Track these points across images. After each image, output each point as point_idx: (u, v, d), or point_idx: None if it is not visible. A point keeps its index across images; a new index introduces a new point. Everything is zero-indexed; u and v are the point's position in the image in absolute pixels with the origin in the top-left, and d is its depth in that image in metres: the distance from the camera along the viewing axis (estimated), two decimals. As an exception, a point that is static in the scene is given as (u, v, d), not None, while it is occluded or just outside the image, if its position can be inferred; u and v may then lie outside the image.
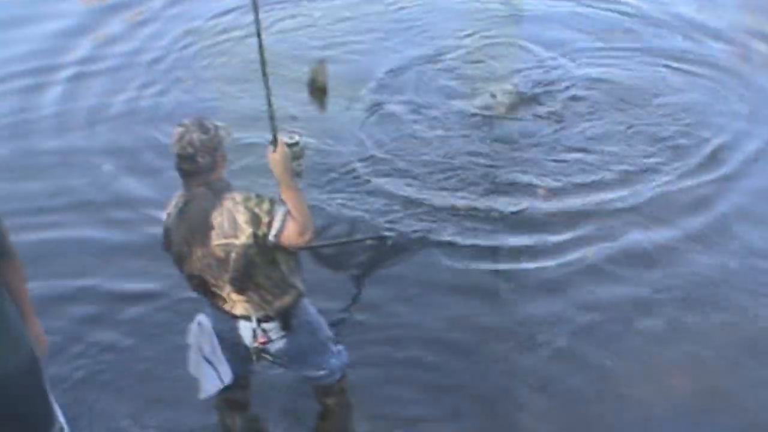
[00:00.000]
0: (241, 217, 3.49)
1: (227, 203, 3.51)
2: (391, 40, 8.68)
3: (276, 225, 3.50)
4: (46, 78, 8.41)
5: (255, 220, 3.49)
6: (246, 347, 3.85)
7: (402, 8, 9.37)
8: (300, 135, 3.80)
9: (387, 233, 6.00)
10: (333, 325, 4.44)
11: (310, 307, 3.93)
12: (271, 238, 3.50)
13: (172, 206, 3.66)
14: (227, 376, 3.84)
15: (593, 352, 5.07)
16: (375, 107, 7.64)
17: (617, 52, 8.40)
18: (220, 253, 3.53)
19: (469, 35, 8.66)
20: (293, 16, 9.28)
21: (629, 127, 7.25)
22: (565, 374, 4.96)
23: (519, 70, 8.02)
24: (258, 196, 3.56)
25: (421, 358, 5.02)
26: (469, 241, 5.96)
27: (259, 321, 3.72)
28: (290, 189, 3.53)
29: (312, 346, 3.97)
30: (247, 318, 3.74)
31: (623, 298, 5.51)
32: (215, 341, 3.79)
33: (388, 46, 8.59)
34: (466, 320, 5.32)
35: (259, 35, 3.40)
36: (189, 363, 3.89)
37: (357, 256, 5.86)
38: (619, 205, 6.32)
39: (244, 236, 3.49)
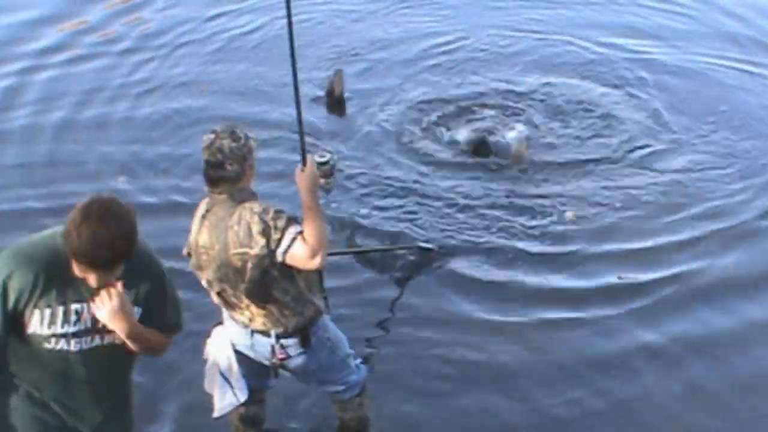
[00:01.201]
0: (255, 228, 3.45)
1: (245, 212, 3.48)
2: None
3: (284, 243, 3.46)
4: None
5: (267, 232, 3.45)
6: (263, 363, 3.83)
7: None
8: (332, 153, 3.77)
9: (427, 244, 5.96)
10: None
11: (330, 324, 3.90)
12: (278, 255, 3.47)
13: (197, 214, 3.66)
14: (243, 394, 3.80)
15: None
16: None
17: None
18: (237, 263, 3.50)
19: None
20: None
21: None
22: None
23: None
24: (278, 210, 3.51)
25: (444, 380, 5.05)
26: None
27: (278, 337, 3.70)
28: (311, 210, 3.49)
29: (331, 363, 3.93)
30: (266, 333, 3.71)
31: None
32: (232, 356, 3.76)
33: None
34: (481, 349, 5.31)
35: (293, 55, 3.50)
36: (204, 379, 3.87)
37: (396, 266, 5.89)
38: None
39: (258, 247, 3.46)
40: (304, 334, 3.72)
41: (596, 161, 7.01)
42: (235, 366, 3.75)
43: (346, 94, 7.76)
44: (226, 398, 3.79)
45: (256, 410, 4.13)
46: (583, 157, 7.05)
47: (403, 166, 6.98)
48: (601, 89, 8.01)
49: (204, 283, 3.69)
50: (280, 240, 3.43)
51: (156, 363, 4.21)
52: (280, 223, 3.45)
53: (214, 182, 3.55)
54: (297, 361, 3.79)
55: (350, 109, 7.73)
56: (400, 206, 6.50)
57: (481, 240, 6.17)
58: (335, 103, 7.72)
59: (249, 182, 3.61)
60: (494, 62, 8.45)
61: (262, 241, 3.44)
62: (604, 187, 6.71)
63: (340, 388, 4.05)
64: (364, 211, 6.42)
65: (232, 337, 3.78)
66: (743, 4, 9.56)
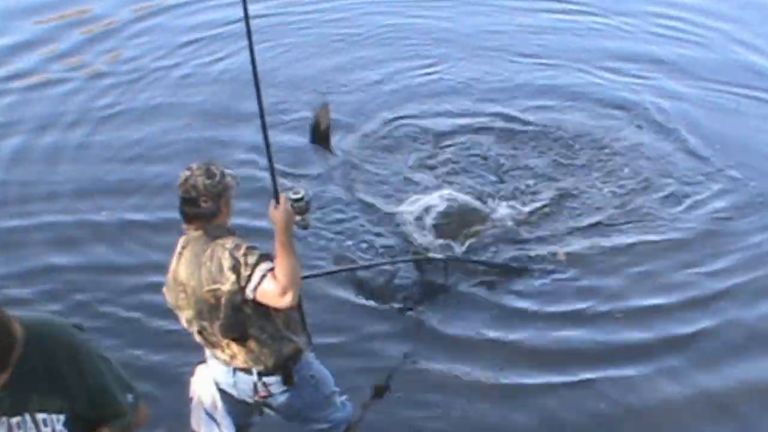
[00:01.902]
0: (226, 263, 3.45)
1: (218, 249, 3.49)
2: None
3: (254, 280, 3.44)
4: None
5: (237, 269, 3.45)
6: (246, 401, 3.80)
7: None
8: (305, 189, 3.74)
9: (435, 255, 5.85)
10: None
11: (314, 361, 3.89)
12: (248, 292, 3.46)
13: (175, 250, 3.67)
14: (230, 430, 3.76)
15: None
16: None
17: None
18: (211, 299, 3.51)
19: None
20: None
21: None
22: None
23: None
24: (250, 247, 3.50)
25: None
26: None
27: (259, 374, 3.68)
28: (284, 247, 3.46)
29: (315, 401, 3.89)
30: (248, 371, 3.69)
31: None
32: (216, 394, 3.75)
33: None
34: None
35: (257, 85, 3.53)
36: (191, 417, 3.85)
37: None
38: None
39: (229, 283, 3.46)
40: (287, 372, 3.70)
41: (609, 208, 6.59)
42: (220, 404, 3.74)
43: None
44: None
45: None
46: (595, 205, 6.65)
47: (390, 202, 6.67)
48: (615, 122, 7.67)
49: (184, 322, 3.69)
50: (250, 276, 3.43)
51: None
52: (251, 259, 3.44)
53: (189, 219, 3.57)
54: (280, 399, 3.77)
55: (336, 143, 7.43)
56: (388, 247, 6.19)
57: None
58: (321, 137, 7.39)
59: (225, 219, 3.61)
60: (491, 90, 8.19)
61: (232, 278, 3.44)
62: (619, 236, 6.29)
63: (325, 426, 4.00)
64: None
65: (215, 375, 3.78)
66: (759, 34, 9.23)
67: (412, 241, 6.15)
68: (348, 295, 5.69)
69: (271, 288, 3.41)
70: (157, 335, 5.25)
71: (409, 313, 5.61)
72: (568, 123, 7.62)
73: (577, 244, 6.16)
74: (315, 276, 5.37)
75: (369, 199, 6.69)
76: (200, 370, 3.84)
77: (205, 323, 3.58)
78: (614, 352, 5.28)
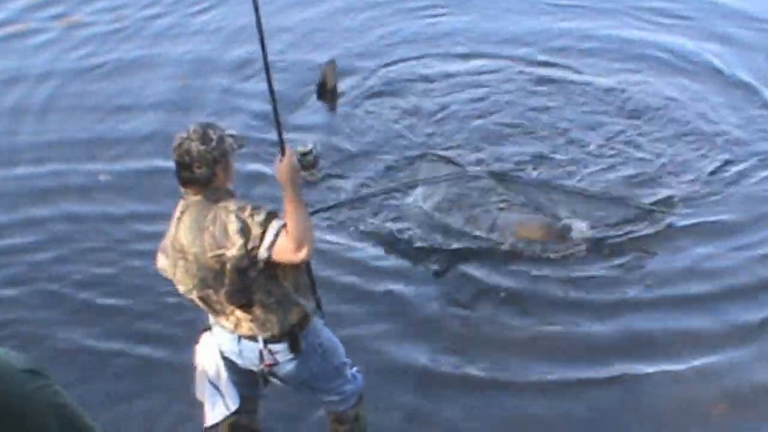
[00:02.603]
0: (232, 227, 3.38)
1: (221, 212, 3.42)
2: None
3: (268, 239, 3.36)
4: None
5: (245, 231, 3.37)
6: (252, 370, 3.75)
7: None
8: (313, 143, 3.67)
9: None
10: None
11: (323, 329, 3.79)
12: (262, 251, 3.37)
13: (173, 215, 3.57)
14: (234, 403, 3.72)
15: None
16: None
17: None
18: (215, 265, 3.44)
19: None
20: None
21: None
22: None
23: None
24: (255, 206, 3.44)
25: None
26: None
27: (265, 342, 3.60)
28: (292, 201, 3.40)
29: (324, 371, 3.80)
30: (254, 338, 3.61)
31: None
32: (221, 363, 3.71)
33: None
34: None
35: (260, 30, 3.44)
36: (195, 386, 3.81)
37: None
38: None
39: (235, 248, 3.38)
40: (293, 338, 3.62)
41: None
42: (224, 373, 3.71)
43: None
44: (217, 407, 3.73)
45: (248, 420, 3.96)
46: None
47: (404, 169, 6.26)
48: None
49: (182, 290, 3.60)
50: (262, 236, 3.36)
51: (143, 371, 4.51)
52: (259, 218, 3.38)
53: (185, 183, 3.49)
54: (287, 368, 3.68)
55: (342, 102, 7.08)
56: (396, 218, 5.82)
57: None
58: (327, 95, 7.11)
59: (225, 183, 3.52)
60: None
61: (239, 241, 3.37)
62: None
63: (335, 398, 3.92)
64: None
65: (220, 344, 3.72)
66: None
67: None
68: (366, 278, 5.33)
69: (286, 244, 3.34)
70: (149, 289, 5.14)
71: (433, 304, 5.22)
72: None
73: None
74: (324, 210, 5.20)
75: (378, 158, 6.33)
76: (204, 338, 3.77)
77: (209, 291, 3.51)
78: (677, 341, 4.89)
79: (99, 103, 7.11)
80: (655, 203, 5.76)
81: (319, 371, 3.76)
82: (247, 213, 3.38)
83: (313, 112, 6.92)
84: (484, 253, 5.46)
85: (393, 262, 5.45)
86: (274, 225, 3.36)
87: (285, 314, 3.56)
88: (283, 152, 3.47)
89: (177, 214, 3.54)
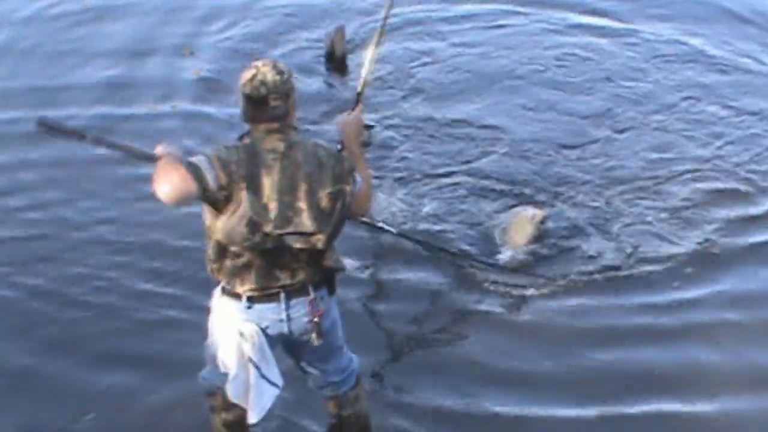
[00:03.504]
0: (347, 164, 3.38)
1: (320, 150, 3.33)
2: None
3: (358, 182, 3.40)
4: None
5: (352, 170, 3.39)
6: (288, 339, 3.52)
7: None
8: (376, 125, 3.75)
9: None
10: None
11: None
12: (352, 186, 3.37)
13: (242, 157, 3.21)
14: (279, 378, 3.49)
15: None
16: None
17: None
18: (328, 202, 3.31)
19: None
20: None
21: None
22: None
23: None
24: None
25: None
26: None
27: (314, 287, 3.46)
28: (359, 157, 3.50)
29: (334, 340, 3.66)
30: (304, 290, 3.43)
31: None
32: (264, 341, 3.43)
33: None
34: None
35: None
36: (230, 390, 3.49)
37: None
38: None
39: (350, 184, 3.37)
40: (331, 281, 3.53)
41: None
42: (268, 350, 3.44)
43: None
44: (266, 393, 3.48)
45: (240, 413, 3.72)
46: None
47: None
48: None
49: (257, 237, 3.24)
50: (354, 180, 3.38)
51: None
52: (349, 163, 3.42)
53: (260, 120, 3.26)
54: (326, 320, 3.53)
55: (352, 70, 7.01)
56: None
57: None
58: (336, 64, 7.08)
59: (294, 121, 3.37)
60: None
61: (350, 179, 3.37)
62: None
63: (336, 378, 3.78)
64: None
65: (259, 321, 3.44)
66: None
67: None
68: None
69: (366, 193, 3.47)
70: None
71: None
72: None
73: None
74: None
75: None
76: (238, 327, 3.43)
77: (304, 233, 3.29)
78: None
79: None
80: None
81: (332, 340, 3.64)
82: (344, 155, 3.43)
83: (321, 80, 6.90)
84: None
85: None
86: (357, 173, 3.42)
87: (337, 256, 3.51)
88: (356, 105, 3.58)
89: (247, 156, 3.23)
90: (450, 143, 6.20)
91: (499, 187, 5.73)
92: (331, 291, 3.54)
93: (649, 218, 5.45)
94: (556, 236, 5.29)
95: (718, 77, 7.02)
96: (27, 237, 5.29)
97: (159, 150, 3.14)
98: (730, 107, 6.61)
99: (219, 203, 3.19)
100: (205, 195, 3.14)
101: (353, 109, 3.50)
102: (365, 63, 4.02)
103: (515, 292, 4.91)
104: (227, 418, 3.81)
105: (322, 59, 7.09)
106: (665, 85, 6.91)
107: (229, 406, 3.68)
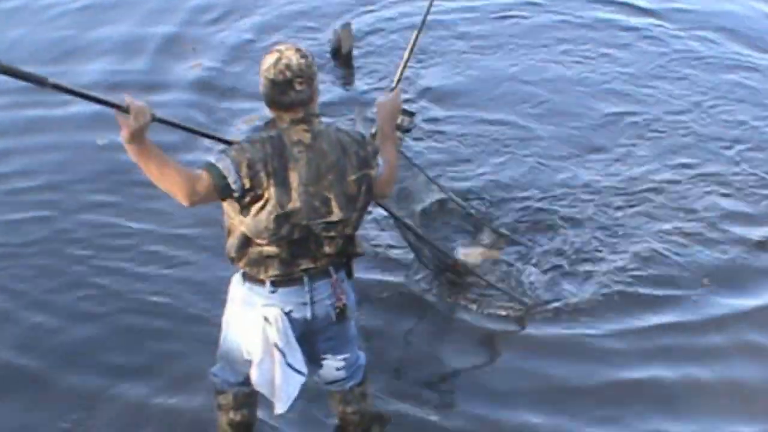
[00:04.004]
0: (371, 148, 3.38)
1: (343, 135, 3.33)
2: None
3: (380, 164, 3.41)
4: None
5: (376, 152, 3.40)
6: (311, 324, 3.47)
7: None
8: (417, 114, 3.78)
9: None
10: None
11: None
12: (375, 169, 3.38)
13: (268, 152, 3.17)
14: (304, 366, 3.45)
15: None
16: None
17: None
18: (354, 189, 3.32)
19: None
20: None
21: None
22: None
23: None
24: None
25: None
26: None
27: (335, 270, 3.45)
28: (389, 139, 3.52)
29: (348, 327, 3.62)
30: (326, 273, 3.42)
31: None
32: (286, 323, 3.38)
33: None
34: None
35: None
36: (255, 377, 3.43)
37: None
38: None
39: (375, 168, 3.38)
40: (349, 265, 3.51)
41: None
42: (292, 336, 3.39)
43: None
44: (292, 380, 3.43)
45: (248, 414, 3.78)
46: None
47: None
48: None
49: (284, 230, 3.23)
50: (377, 163, 3.40)
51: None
52: (373, 146, 3.43)
53: (283, 106, 3.22)
54: (350, 302, 3.53)
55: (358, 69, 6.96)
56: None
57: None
58: (342, 61, 6.99)
59: (317, 110, 3.31)
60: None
61: (374, 162, 3.38)
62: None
63: (343, 373, 3.70)
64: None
65: (283, 306, 3.40)
66: None
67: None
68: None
69: (389, 175, 3.46)
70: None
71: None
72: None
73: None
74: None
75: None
76: (262, 313, 3.39)
77: (331, 220, 3.28)
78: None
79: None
80: None
81: (349, 322, 3.60)
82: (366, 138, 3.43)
83: (326, 77, 6.75)
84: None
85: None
86: (380, 156, 3.43)
87: (357, 242, 3.50)
88: (395, 86, 3.63)
89: (272, 149, 3.19)
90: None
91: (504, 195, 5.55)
92: (350, 275, 3.51)
93: (671, 231, 5.24)
94: (572, 250, 5.07)
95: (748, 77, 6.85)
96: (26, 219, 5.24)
97: (127, 100, 2.99)
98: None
99: (244, 203, 3.16)
100: (226, 197, 3.15)
101: (391, 91, 3.57)
102: (408, 47, 4.08)
103: (523, 308, 4.69)
104: (234, 419, 3.74)
105: (327, 55, 6.98)
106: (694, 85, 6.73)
107: (239, 405, 3.67)
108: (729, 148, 5.98)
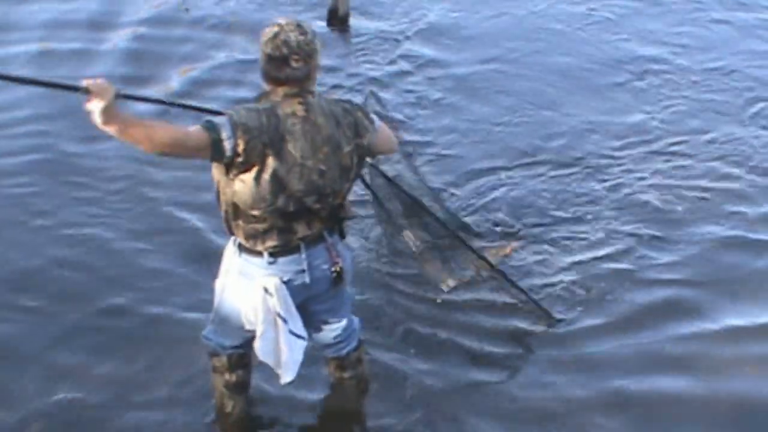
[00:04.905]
0: (359, 114, 3.36)
1: (334, 106, 3.32)
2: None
3: (376, 122, 3.39)
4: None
5: (368, 116, 3.39)
6: (309, 289, 3.47)
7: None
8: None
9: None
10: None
11: None
12: (370, 137, 3.36)
13: (263, 122, 3.14)
14: (303, 331, 3.47)
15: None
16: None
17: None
18: (347, 160, 3.33)
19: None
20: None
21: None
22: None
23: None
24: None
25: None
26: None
27: (329, 234, 3.45)
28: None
29: (343, 291, 3.63)
30: (321, 238, 3.42)
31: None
32: (285, 292, 3.39)
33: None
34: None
35: None
36: (259, 349, 3.46)
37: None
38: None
39: (368, 133, 3.37)
40: (341, 226, 3.51)
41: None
42: (291, 303, 3.40)
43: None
44: (295, 346, 3.45)
45: (243, 374, 3.80)
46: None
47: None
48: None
49: (279, 202, 3.24)
50: (372, 121, 3.38)
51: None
52: (362, 111, 3.42)
53: (278, 81, 3.19)
54: (346, 264, 3.52)
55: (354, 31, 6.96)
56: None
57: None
58: (338, 23, 6.99)
59: (314, 85, 3.28)
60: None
61: (370, 126, 3.38)
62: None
63: (341, 337, 3.72)
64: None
65: (282, 275, 3.40)
66: None
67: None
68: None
69: (384, 130, 3.44)
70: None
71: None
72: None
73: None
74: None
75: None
76: (262, 284, 3.37)
77: (326, 193, 3.29)
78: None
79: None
80: None
81: (345, 284, 3.58)
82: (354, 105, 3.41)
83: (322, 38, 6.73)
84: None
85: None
86: (376, 117, 3.43)
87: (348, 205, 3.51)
88: None
89: (270, 122, 3.17)
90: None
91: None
92: (342, 236, 3.52)
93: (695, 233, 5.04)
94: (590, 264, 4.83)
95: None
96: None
97: (86, 82, 2.94)
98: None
99: (232, 170, 3.13)
100: (216, 156, 3.07)
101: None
102: None
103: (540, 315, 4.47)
104: (230, 380, 3.75)
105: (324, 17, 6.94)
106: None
107: (233, 366, 3.68)
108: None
